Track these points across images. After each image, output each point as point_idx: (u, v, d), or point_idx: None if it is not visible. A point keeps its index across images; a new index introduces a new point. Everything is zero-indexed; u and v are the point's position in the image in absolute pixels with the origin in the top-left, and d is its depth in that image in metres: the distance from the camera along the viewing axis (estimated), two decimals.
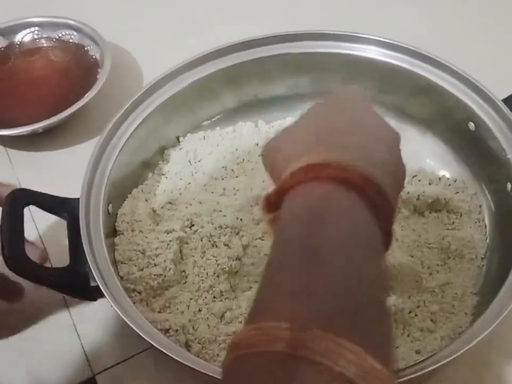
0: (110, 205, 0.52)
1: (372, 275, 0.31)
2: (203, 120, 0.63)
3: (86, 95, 0.63)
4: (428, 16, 0.76)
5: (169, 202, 0.56)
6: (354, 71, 0.60)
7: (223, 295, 0.51)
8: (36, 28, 0.72)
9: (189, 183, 0.58)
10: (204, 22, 0.78)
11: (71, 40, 0.72)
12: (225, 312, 0.50)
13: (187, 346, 0.47)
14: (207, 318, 0.49)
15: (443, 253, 0.53)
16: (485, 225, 0.54)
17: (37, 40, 0.72)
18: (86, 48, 0.70)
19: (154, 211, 0.56)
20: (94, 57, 0.69)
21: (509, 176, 0.50)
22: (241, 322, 0.49)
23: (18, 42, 0.72)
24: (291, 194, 0.34)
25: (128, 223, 0.53)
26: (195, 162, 0.60)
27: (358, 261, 0.31)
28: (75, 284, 0.46)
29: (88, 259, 0.45)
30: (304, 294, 0.29)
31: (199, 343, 0.48)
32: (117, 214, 0.54)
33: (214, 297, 0.51)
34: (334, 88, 0.43)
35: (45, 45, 0.72)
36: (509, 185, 0.50)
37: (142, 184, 0.58)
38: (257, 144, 0.61)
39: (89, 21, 0.72)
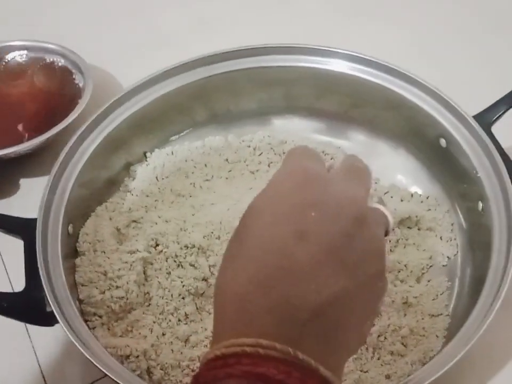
0: (71, 225, 0.50)
1: None
2: (171, 135, 0.61)
3: (55, 126, 0.60)
4: (400, 32, 0.76)
5: (135, 221, 0.55)
6: (325, 85, 0.59)
7: (188, 317, 0.49)
8: (24, 52, 0.70)
9: (156, 200, 0.57)
10: (191, 43, 0.76)
11: (57, 66, 0.69)
12: (190, 335, 0.48)
13: (148, 372, 0.46)
14: (171, 342, 0.48)
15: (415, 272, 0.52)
16: (457, 244, 0.53)
17: (23, 64, 0.70)
18: (73, 76, 0.67)
19: (118, 230, 0.54)
20: (78, 85, 0.66)
21: (480, 195, 0.49)
22: (206, 346, 0.48)
23: (4, 63, 0.69)
24: None
25: (90, 243, 0.51)
26: (162, 179, 0.58)
27: None
28: (30, 310, 0.44)
29: (43, 283, 0.43)
30: None
31: (161, 369, 0.46)
32: (78, 233, 0.52)
33: (179, 320, 0.49)
34: (282, 168, 0.36)
35: (30, 69, 0.69)
36: (480, 204, 0.49)
37: (106, 201, 0.56)
38: (227, 160, 0.60)
39: (75, 46, 0.69)
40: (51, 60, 0.69)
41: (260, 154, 0.60)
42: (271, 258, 0.30)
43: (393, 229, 0.49)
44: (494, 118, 0.51)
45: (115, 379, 0.38)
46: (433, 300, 0.50)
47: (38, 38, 0.70)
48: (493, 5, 0.78)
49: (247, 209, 0.34)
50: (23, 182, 0.63)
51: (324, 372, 0.28)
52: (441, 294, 0.50)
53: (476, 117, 0.51)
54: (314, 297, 0.29)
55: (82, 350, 0.40)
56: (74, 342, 0.40)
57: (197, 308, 0.50)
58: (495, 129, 0.51)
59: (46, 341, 0.51)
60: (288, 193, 0.33)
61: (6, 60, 0.69)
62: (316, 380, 0.28)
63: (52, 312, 0.42)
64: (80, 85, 0.66)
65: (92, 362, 0.39)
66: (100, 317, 0.48)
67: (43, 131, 0.60)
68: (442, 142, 0.53)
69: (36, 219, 0.47)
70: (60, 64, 0.69)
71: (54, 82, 0.68)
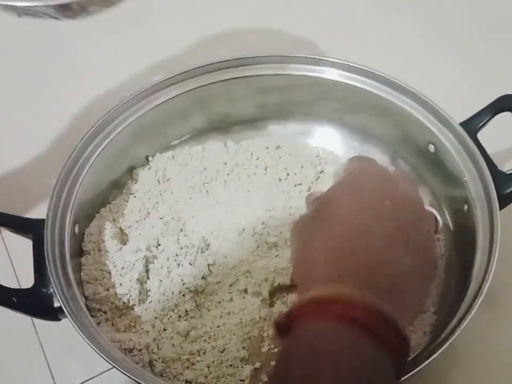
0: (77, 225, 0.52)
1: None
2: (172, 139, 0.63)
3: None
4: (389, 41, 0.78)
5: (137, 222, 0.57)
6: (319, 93, 0.61)
7: (188, 314, 0.52)
8: None
9: (157, 202, 0.59)
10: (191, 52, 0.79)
11: None
12: (190, 331, 0.51)
13: (151, 365, 0.48)
14: (172, 337, 0.50)
15: None
16: (444, 245, 0.55)
17: None
18: None
19: (121, 230, 0.56)
20: None
21: (466, 198, 0.51)
22: (205, 341, 0.50)
23: None
24: (296, 327, 0.35)
25: (94, 243, 0.54)
26: (163, 182, 0.61)
27: None
28: (39, 305, 0.46)
29: (51, 280, 0.45)
30: None
31: (162, 362, 0.48)
32: (83, 233, 0.54)
33: (179, 316, 0.51)
34: (352, 169, 0.45)
35: None
36: (465, 206, 0.52)
37: (110, 203, 0.58)
38: (226, 164, 0.62)
39: None
40: None
41: (257, 158, 0.63)
42: (356, 232, 0.39)
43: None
44: (480, 125, 0.54)
45: (121, 370, 0.41)
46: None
47: None
48: (480, 16, 0.81)
49: (327, 195, 0.43)
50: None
51: (400, 326, 0.34)
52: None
53: (463, 124, 0.53)
54: (389, 268, 0.37)
55: (89, 343, 0.42)
56: (82, 335, 0.42)
57: (197, 305, 0.52)
58: (480, 135, 0.53)
59: (52, 335, 0.53)
60: (364, 185, 0.42)
61: None
62: (392, 331, 0.34)
63: (59, 307, 0.45)
64: None
65: (98, 354, 0.42)
66: (105, 312, 0.50)
67: None
68: (431, 147, 0.56)
69: (44, 219, 0.49)
70: None
71: None
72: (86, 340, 0.42)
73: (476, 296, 0.44)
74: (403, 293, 0.37)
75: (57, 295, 0.45)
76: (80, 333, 0.42)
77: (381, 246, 0.38)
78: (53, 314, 0.46)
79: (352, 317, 0.33)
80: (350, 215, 0.40)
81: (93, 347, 0.42)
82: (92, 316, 0.49)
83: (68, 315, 0.44)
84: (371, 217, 0.39)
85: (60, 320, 0.47)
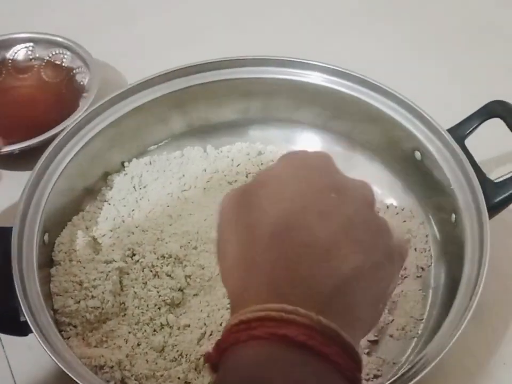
0: (46, 234, 0.50)
1: None
2: (149, 144, 0.61)
3: (60, 124, 0.60)
4: (377, 47, 0.77)
5: (111, 230, 0.54)
6: (303, 97, 0.59)
7: (163, 328, 0.49)
8: (30, 44, 0.70)
9: (133, 210, 0.57)
10: (170, 53, 0.76)
11: (63, 60, 0.70)
12: (165, 346, 0.48)
13: (123, 383, 0.45)
14: (146, 352, 0.48)
15: None
16: (431, 255, 0.54)
17: (31, 57, 0.70)
18: (74, 71, 0.69)
19: (94, 239, 0.54)
20: (82, 82, 0.67)
21: (454, 207, 0.50)
22: (181, 356, 0.48)
23: (11, 58, 0.70)
24: (226, 356, 0.30)
25: (66, 252, 0.51)
26: (140, 189, 0.58)
27: None
28: (4, 319, 0.43)
29: (17, 293, 0.43)
30: None
31: (135, 379, 0.46)
32: (54, 243, 0.52)
33: (154, 331, 0.49)
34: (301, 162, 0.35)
35: (37, 63, 0.70)
36: (453, 216, 0.50)
37: (83, 211, 0.56)
38: (205, 170, 0.60)
39: (82, 40, 0.70)
40: (57, 52, 0.70)
41: (238, 165, 0.60)
42: (296, 235, 0.31)
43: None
44: (467, 132, 0.52)
45: None
46: (407, 310, 0.51)
47: (42, 30, 0.71)
48: (468, 21, 0.80)
49: (255, 183, 0.34)
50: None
51: (345, 336, 0.29)
52: (416, 304, 0.51)
53: (450, 131, 0.52)
54: (336, 273, 0.30)
55: (55, 360, 0.39)
56: (48, 351, 0.40)
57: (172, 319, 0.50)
58: (468, 142, 0.52)
59: (20, 350, 0.50)
60: (304, 175, 0.34)
61: (14, 54, 0.70)
62: (336, 345, 0.29)
63: (26, 322, 0.42)
64: (84, 80, 0.67)
65: (65, 372, 0.39)
66: (75, 326, 0.48)
67: (51, 124, 0.60)
68: (417, 154, 0.54)
69: (11, 228, 0.47)
70: (65, 57, 0.69)
71: (61, 76, 0.69)
72: (52, 357, 0.39)
73: (465, 310, 0.42)
74: (353, 302, 0.31)
75: (22, 308, 0.42)
76: (46, 349, 0.40)
77: (325, 248, 0.31)
78: (19, 329, 0.43)
79: (283, 335, 0.28)
80: (289, 212, 0.32)
81: (59, 364, 0.39)
82: (61, 331, 0.46)
83: (33, 330, 0.41)
84: (314, 214, 0.32)
85: (27, 335, 0.44)
